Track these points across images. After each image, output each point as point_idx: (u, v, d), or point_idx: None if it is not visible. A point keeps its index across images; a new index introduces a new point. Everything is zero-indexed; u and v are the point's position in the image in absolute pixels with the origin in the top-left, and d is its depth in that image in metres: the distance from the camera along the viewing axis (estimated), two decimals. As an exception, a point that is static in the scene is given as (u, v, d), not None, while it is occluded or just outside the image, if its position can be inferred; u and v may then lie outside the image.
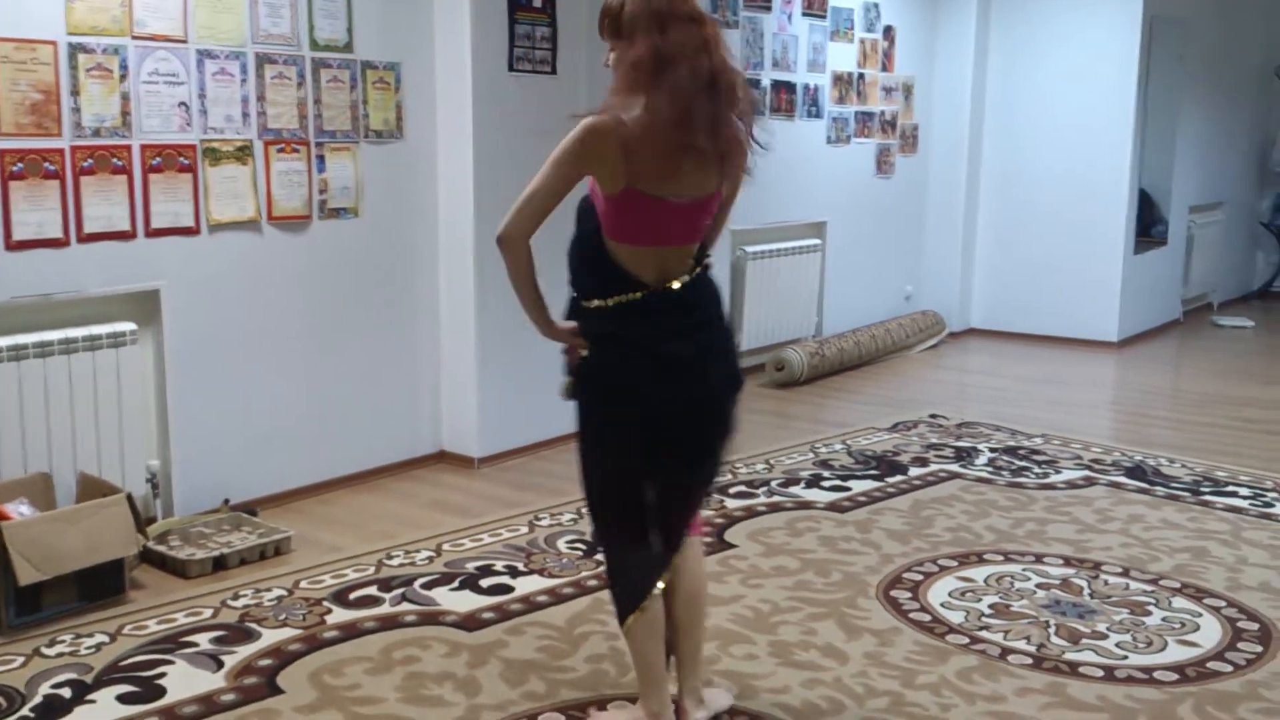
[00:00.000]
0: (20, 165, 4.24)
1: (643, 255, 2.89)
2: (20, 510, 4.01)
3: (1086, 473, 5.71)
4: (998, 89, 9.53)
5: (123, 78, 4.49)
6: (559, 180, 2.79)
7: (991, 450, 6.10)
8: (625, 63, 2.80)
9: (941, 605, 4.11)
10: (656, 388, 2.90)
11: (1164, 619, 4.02)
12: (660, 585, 3.05)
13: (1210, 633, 3.91)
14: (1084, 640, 3.83)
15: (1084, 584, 4.32)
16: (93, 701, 3.38)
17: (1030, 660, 3.68)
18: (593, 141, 2.76)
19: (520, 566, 4.45)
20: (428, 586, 4.26)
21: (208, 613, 4.01)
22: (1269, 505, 5.24)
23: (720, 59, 2.81)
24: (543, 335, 2.95)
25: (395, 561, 4.50)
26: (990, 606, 4.10)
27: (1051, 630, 3.90)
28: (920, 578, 4.37)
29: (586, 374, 2.96)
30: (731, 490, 5.37)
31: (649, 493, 3.03)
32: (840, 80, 8.54)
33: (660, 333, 2.90)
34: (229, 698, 3.41)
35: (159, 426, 4.80)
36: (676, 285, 2.92)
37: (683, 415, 2.95)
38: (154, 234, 4.65)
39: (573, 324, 2.93)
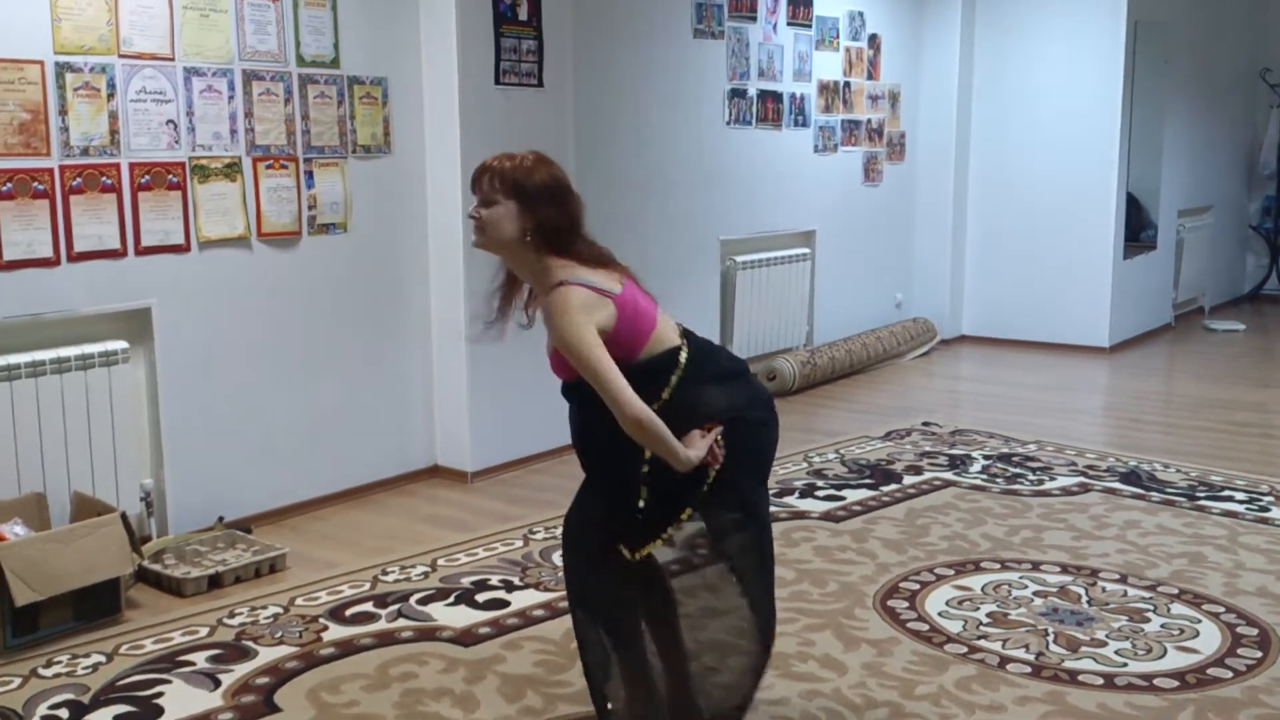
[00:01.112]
0: (9, 185, 4.22)
1: (656, 338, 2.94)
2: (15, 531, 3.99)
3: (1081, 479, 5.71)
4: (984, 95, 9.55)
5: (110, 96, 4.48)
6: (603, 351, 2.80)
7: (985, 458, 6.10)
8: (541, 224, 2.95)
9: (939, 614, 4.11)
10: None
11: (1163, 625, 4.01)
12: None
13: (1209, 639, 3.91)
14: (1083, 648, 3.83)
15: (1082, 591, 4.32)
16: (89, 723, 3.37)
17: (1029, 669, 3.68)
18: (581, 296, 2.84)
19: (516, 580, 4.44)
20: (424, 602, 4.25)
21: (204, 631, 4.00)
22: (1265, 509, 5.24)
23: None
24: (684, 465, 2.83)
25: (391, 577, 4.49)
26: (988, 615, 4.10)
27: (1050, 638, 3.90)
28: (917, 587, 4.37)
29: (733, 444, 2.93)
30: (726, 501, 5.35)
31: None
32: (826, 89, 8.55)
33: (733, 362, 3.13)
34: (226, 716, 3.39)
35: (152, 445, 4.79)
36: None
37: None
38: (144, 252, 4.64)
39: (697, 434, 2.88)
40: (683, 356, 2.94)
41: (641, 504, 2.91)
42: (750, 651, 3.04)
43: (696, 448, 2.85)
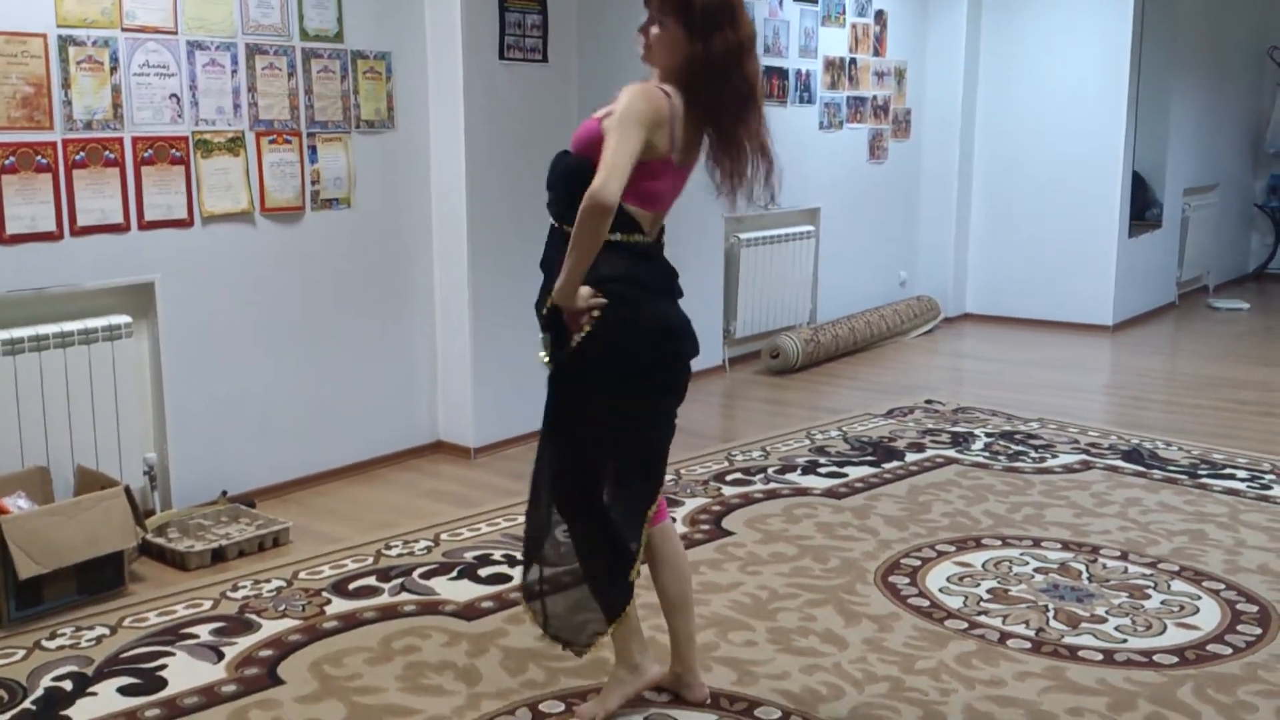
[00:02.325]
0: (12, 159, 4.22)
1: (644, 218, 3.01)
2: (18, 504, 4.01)
3: (1083, 457, 5.72)
4: (990, 72, 9.52)
5: (113, 70, 4.48)
6: (637, 142, 2.82)
7: (988, 435, 6.10)
8: (686, 52, 2.89)
9: (940, 590, 4.12)
10: (682, 326, 3.08)
11: (1163, 602, 4.02)
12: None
13: (1209, 615, 3.92)
14: (1083, 624, 3.84)
15: (1082, 568, 4.33)
16: (94, 694, 3.38)
17: (1029, 644, 3.69)
18: (660, 104, 2.85)
19: (518, 555, 4.44)
20: (426, 576, 4.26)
21: (207, 604, 4.01)
22: (1266, 487, 5.25)
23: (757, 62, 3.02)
24: (563, 297, 2.89)
25: (394, 552, 4.50)
26: (989, 591, 4.11)
27: (1050, 614, 3.91)
28: (918, 563, 4.37)
29: (609, 323, 2.93)
30: (728, 478, 5.37)
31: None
32: (832, 65, 8.52)
33: (666, 279, 3.08)
34: (230, 689, 3.41)
35: (156, 419, 4.80)
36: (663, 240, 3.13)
37: (685, 367, 3.12)
38: (147, 226, 4.64)
39: (589, 289, 2.91)
40: (632, 237, 2.96)
41: (545, 311, 2.99)
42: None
43: (584, 291, 2.89)
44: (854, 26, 8.71)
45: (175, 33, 4.66)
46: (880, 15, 8.98)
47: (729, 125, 2.96)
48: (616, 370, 2.98)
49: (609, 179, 2.77)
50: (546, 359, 3.04)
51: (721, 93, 2.91)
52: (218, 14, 4.78)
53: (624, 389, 3.00)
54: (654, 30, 2.94)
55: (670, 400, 3.11)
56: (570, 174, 2.98)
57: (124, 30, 4.50)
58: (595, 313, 2.91)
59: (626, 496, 3.09)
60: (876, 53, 8.99)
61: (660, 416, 3.10)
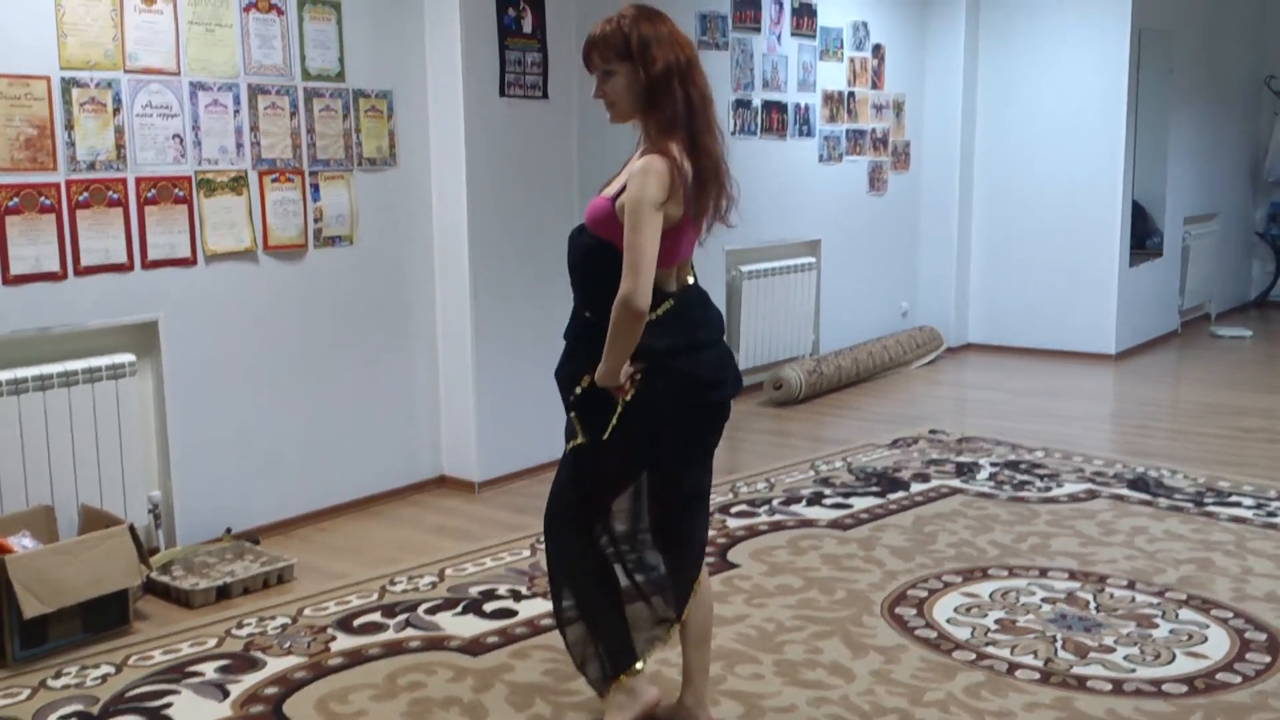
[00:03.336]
0: (16, 200, 4.24)
1: (667, 275, 3.01)
2: (23, 543, 4.00)
3: (1089, 486, 5.71)
4: (988, 104, 9.56)
5: (116, 111, 4.50)
6: (657, 231, 2.85)
7: (993, 465, 6.10)
8: (644, 79, 2.93)
9: (947, 621, 4.10)
10: (717, 375, 3.08)
11: (1171, 631, 4.01)
12: None
13: (1218, 644, 3.90)
14: (1091, 654, 3.82)
15: (1090, 598, 4.31)
16: (98, 735, 3.37)
17: (1038, 675, 3.67)
18: (668, 177, 2.87)
19: (523, 590, 4.44)
20: (431, 612, 4.25)
21: (212, 642, 4.00)
22: (1273, 515, 5.23)
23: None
24: (609, 378, 2.93)
25: (398, 587, 4.49)
26: (996, 622, 4.09)
27: (1058, 644, 3.89)
28: (925, 594, 4.36)
29: (652, 387, 2.96)
30: (733, 510, 5.36)
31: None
32: (831, 99, 8.56)
33: (692, 328, 3.06)
34: (235, 728, 3.40)
35: (160, 457, 4.80)
36: (691, 280, 3.13)
37: (725, 402, 3.15)
38: (151, 266, 4.65)
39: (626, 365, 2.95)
40: (660, 310, 2.94)
41: (579, 390, 3.03)
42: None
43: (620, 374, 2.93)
44: (852, 60, 8.75)
45: (178, 74, 4.69)
46: (878, 49, 9.02)
47: (701, 135, 2.98)
48: (661, 424, 3.01)
49: (638, 286, 2.81)
50: (580, 439, 3.06)
51: (689, 100, 2.95)
52: (220, 55, 4.82)
53: (669, 438, 3.04)
54: (609, 83, 2.98)
55: (711, 438, 3.16)
56: (591, 258, 3.01)
57: (127, 72, 4.53)
58: (636, 376, 2.95)
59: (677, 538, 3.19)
60: (875, 86, 9.03)
61: (701, 454, 3.15)
